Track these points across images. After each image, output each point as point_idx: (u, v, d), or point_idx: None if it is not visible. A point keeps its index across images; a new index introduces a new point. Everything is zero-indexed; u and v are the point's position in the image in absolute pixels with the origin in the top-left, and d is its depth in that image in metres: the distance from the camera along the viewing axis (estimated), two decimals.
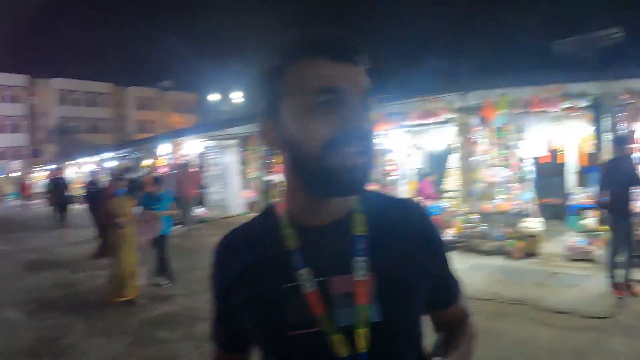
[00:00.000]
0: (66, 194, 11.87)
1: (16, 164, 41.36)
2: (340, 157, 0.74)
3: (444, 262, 0.97)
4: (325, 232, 0.84)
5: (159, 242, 6.44)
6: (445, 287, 0.98)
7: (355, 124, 0.75)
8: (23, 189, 25.26)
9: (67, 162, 27.41)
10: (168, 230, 6.61)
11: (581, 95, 6.54)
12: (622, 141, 5.35)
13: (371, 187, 0.89)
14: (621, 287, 5.05)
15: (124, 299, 5.68)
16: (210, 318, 0.99)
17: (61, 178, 12.91)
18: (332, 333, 0.78)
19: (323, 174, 0.76)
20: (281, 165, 0.85)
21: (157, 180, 6.80)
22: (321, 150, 0.75)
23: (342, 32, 0.79)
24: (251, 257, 0.86)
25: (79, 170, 25.47)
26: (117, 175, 6.92)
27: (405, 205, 0.94)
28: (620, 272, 5.14)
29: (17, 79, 47.73)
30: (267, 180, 10.89)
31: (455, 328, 0.99)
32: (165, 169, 15.64)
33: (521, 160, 8.05)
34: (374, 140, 0.79)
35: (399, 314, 0.83)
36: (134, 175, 12.42)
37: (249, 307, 0.84)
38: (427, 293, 0.89)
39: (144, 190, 6.64)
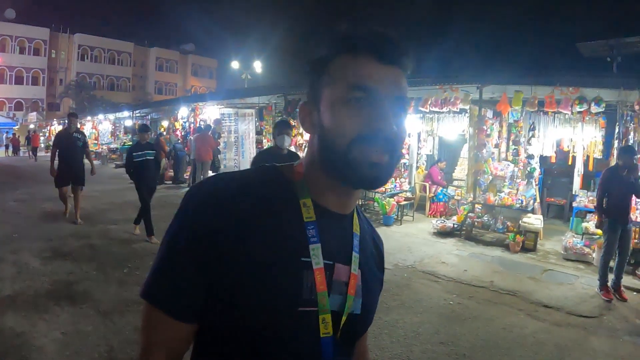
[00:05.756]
0: (83, 152, 8.23)
1: (32, 115, 41.69)
2: (365, 153, 0.76)
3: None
4: (338, 220, 0.88)
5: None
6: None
7: (381, 125, 0.76)
8: (32, 141, 25.74)
9: (84, 118, 27.55)
10: None
11: (596, 101, 6.61)
12: (629, 150, 5.45)
13: None
14: (610, 291, 5.25)
15: None
16: (162, 270, 0.80)
17: (78, 132, 8.30)
18: (325, 313, 0.81)
19: (346, 165, 0.78)
20: (310, 143, 0.89)
21: None
22: (347, 144, 0.77)
23: (392, 31, 0.80)
24: (263, 215, 0.79)
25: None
26: None
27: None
28: (611, 277, 5.34)
29: (38, 32, 47.75)
30: None
31: None
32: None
33: (530, 157, 8.21)
34: (401, 143, 0.81)
35: (371, 310, 0.93)
36: None
37: (257, 273, 0.76)
38: None
39: None
